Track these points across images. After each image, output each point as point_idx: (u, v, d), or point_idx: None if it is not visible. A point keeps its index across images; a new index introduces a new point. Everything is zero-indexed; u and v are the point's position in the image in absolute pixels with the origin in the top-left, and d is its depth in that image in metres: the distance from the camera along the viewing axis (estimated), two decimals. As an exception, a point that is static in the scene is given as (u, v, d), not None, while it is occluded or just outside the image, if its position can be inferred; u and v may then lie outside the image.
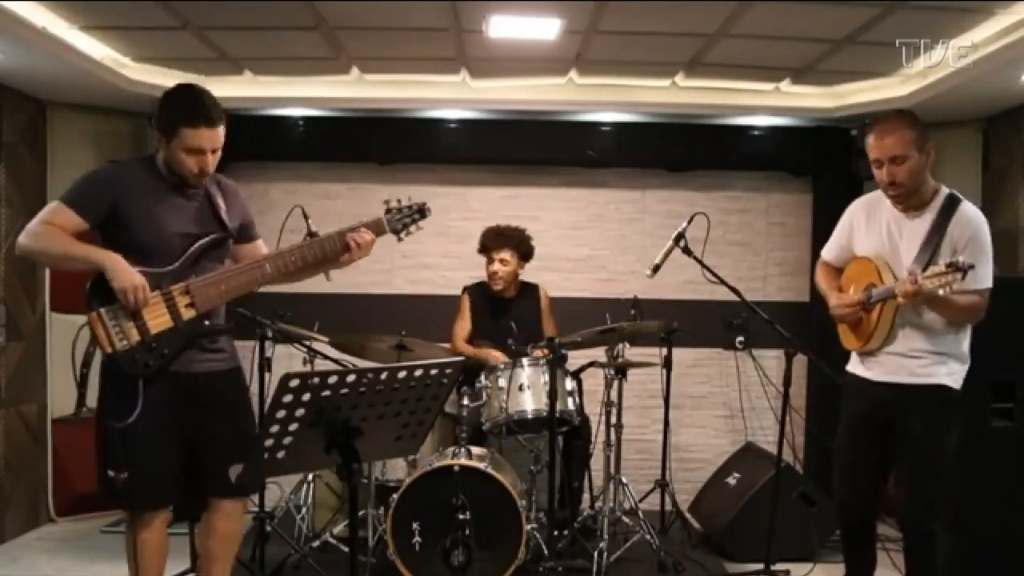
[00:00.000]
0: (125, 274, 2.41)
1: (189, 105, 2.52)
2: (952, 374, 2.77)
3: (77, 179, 2.58)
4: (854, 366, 2.99)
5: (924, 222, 2.76)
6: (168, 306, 2.49)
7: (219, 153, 2.59)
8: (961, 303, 2.67)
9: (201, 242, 2.58)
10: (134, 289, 2.41)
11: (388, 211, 2.76)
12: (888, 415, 2.83)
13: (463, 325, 4.34)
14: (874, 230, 2.90)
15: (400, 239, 2.78)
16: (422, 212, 2.79)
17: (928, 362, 2.76)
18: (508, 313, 4.21)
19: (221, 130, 2.56)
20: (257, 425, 2.73)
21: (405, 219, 2.76)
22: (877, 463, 2.91)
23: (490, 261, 4.25)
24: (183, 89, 2.59)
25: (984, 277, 2.69)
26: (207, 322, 2.57)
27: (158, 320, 2.47)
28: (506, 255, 4.22)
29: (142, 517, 2.55)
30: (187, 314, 2.51)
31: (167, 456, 2.54)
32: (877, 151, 2.75)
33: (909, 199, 2.78)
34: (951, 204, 2.75)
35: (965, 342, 2.81)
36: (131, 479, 2.47)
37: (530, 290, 4.40)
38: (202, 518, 2.73)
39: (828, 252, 3.13)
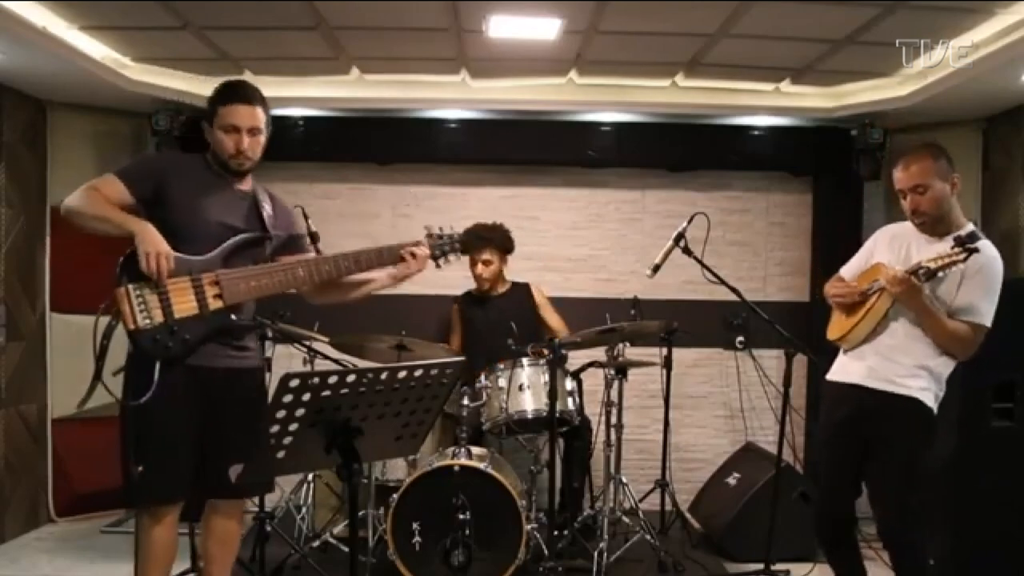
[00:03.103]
0: (152, 240, 2.42)
1: (226, 86, 2.65)
2: (925, 391, 2.76)
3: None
4: (834, 373, 3.00)
5: (943, 247, 2.74)
6: (196, 293, 2.48)
7: (260, 139, 2.64)
8: (950, 325, 2.67)
9: (238, 237, 2.59)
10: (157, 255, 2.40)
11: (428, 235, 2.80)
12: (864, 422, 2.83)
13: (455, 339, 4.41)
14: (894, 249, 2.91)
15: (438, 266, 2.81)
16: (459, 244, 2.84)
17: (906, 373, 2.76)
18: (498, 309, 4.24)
19: (258, 111, 2.63)
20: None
21: (444, 246, 2.80)
22: (851, 473, 2.91)
23: (473, 263, 4.26)
24: (226, 80, 2.71)
25: (981, 312, 2.70)
26: (234, 316, 2.56)
27: (184, 305, 2.46)
28: (488, 255, 4.24)
29: (154, 512, 2.54)
30: (214, 304, 2.50)
31: (183, 450, 2.53)
32: (900, 181, 2.79)
33: (935, 227, 2.80)
34: (972, 237, 2.72)
35: (947, 368, 2.79)
36: (146, 471, 2.46)
37: (520, 289, 4.41)
38: (202, 519, 2.73)
39: (846, 271, 3.13)
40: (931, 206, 2.75)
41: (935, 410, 2.78)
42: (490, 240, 4.24)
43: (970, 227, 2.81)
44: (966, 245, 2.53)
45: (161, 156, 2.71)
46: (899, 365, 2.77)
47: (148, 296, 2.43)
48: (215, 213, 2.58)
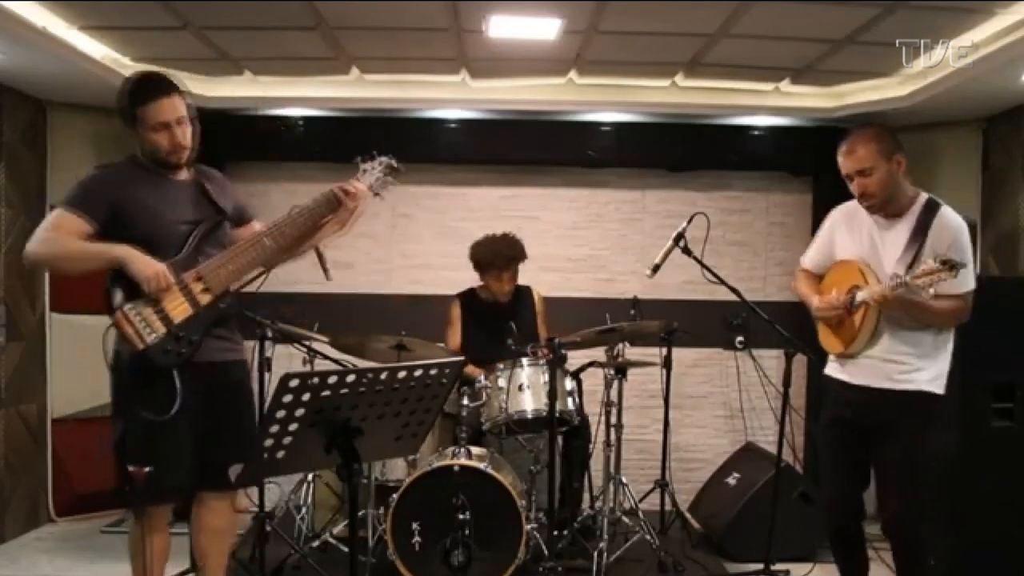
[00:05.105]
0: (145, 262, 2.45)
1: (138, 85, 2.60)
2: (934, 379, 2.75)
3: (73, 186, 2.60)
4: (832, 370, 2.99)
5: (904, 229, 2.77)
6: (185, 294, 2.52)
7: (188, 127, 2.62)
8: (942, 308, 2.66)
9: (201, 227, 2.62)
10: (157, 276, 2.44)
11: (363, 172, 2.88)
12: (869, 420, 2.82)
13: (454, 335, 4.32)
14: (856, 236, 2.90)
15: (381, 197, 2.91)
16: (392, 168, 2.92)
17: (908, 368, 2.75)
18: (505, 316, 4.20)
19: (177, 100, 2.60)
20: (257, 424, 2.73)
21: (379, 176, 2.90)
22: (860, 467, 2.91)
23: (497, 281, 4.19)
24: (130, 77, 2.66)
25: (965, 281, 2.69)
26: (222, 304, 2.59)
27: (179, 308, 2.50)
28: (511, 272, 4.19)
29: (150, 511, 2.54)
30: (204, 299, 2.54)
31: (186, 447, 2.54)
32: (844, 166, 2.81)
33: (885, 208, 2.79)
34: (930, 210, 2.75)
35: (948, 345, 2.79)
36: (153, 472, 2.44)
37: (524, 293, 4.38)
38: (192, 515, 2.72)
39: (808, 261, 3.14)
40: (878, 187, 2.74)
41: (943, 390, 2.76)
42: (516, 259, 4.19)
43: (924, 197, 2.79)
44: (953, 263, 2.48)
45: (101, 175, 2.64)
46: (901, 364, 2.75)
47: (145, 312, 2.46)
48: (171, 213, 2.60)
